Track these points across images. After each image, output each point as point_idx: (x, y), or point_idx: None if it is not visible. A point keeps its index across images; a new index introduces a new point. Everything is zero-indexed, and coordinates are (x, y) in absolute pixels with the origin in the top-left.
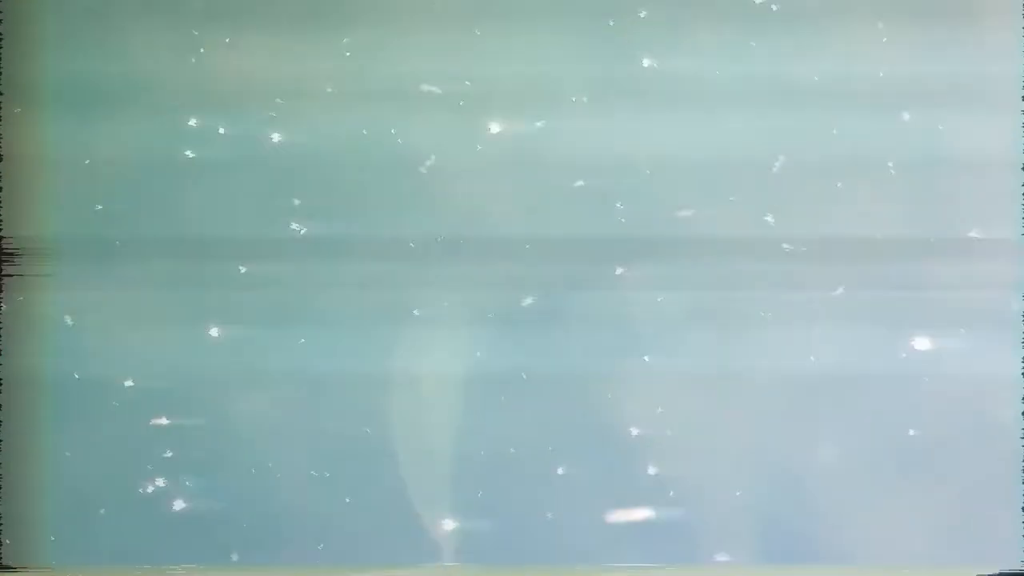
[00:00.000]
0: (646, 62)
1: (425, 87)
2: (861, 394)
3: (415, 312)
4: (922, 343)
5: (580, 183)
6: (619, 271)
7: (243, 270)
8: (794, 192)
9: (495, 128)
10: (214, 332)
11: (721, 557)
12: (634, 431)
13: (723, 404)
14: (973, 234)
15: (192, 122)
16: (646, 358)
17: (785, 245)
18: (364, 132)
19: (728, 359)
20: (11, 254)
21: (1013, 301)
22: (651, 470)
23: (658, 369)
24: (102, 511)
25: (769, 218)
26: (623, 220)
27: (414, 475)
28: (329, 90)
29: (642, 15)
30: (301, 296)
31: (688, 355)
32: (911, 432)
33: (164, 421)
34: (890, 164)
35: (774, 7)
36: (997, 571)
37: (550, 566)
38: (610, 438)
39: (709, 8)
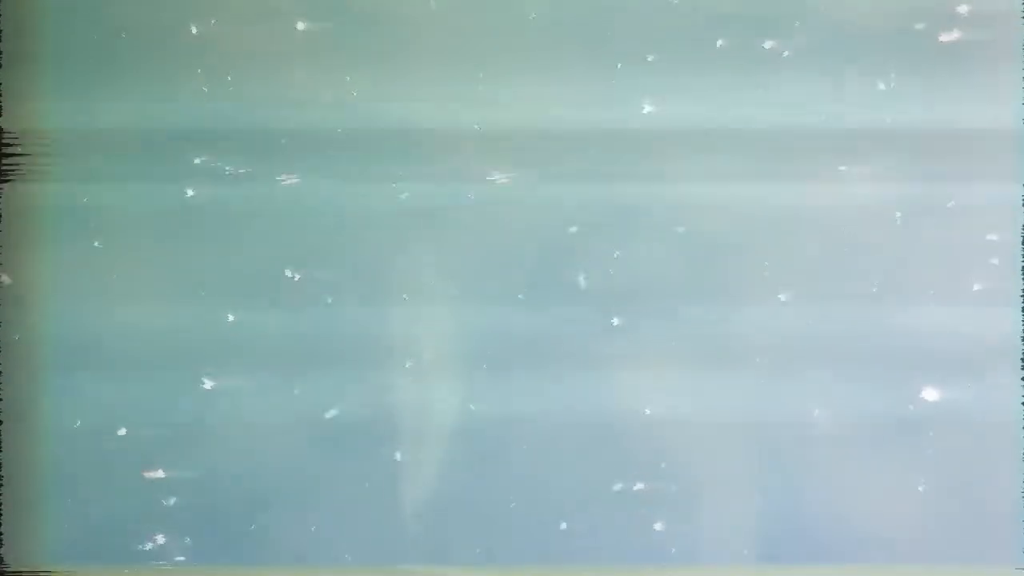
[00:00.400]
0: (647, 108)
1: (427, 127)
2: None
3: (407, 364)
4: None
5: (574, 229)
6: (616, 322)
7: (231, 318)
8: (796, 239)
9: (496, 175)
10: (207, 384)
11: None
12: (638, 485)
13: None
14: (976, 288)
15: (197, 161)
16: (647, 411)
17: (781, 296)
18: (365, 174)
19: (727, 410)
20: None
21: (1015, 350)
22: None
23: (659, 421)
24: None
25: (766, 262)
26: (620, 269)
27: (415, 525)
28: (339, 131)
29: (649, 59)
30: (293, 344)
31: (689, 407)
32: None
33: (160, 473)
34: (898, 215)
35: (785, 53)
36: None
37: (550, 566)
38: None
39: (717, 53)
